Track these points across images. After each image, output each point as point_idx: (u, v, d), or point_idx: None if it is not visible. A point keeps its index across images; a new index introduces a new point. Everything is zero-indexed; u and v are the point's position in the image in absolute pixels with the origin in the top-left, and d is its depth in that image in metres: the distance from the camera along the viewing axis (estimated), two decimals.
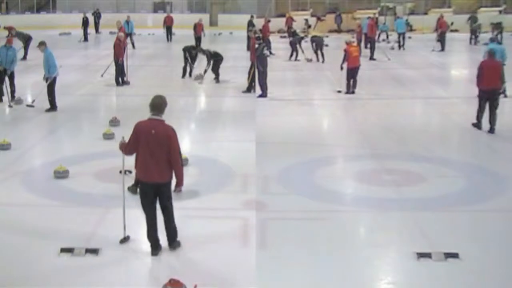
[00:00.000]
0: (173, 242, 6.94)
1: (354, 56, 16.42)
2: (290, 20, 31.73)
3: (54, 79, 14.36)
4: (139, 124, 6.80)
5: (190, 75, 18.92)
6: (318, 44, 23.10)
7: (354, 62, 16.44)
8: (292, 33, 26.28)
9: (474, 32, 30.27)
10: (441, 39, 27.14)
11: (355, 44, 18.79)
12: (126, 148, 6.86)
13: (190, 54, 18.90)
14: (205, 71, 18.47)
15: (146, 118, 6.80)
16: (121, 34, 18.84)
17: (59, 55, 25.40)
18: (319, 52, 23.03)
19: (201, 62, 19.39)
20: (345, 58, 16.36)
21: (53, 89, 14.40)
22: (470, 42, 30.13)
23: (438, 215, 8.09)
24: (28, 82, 19.10)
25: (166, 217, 6.91)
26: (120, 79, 18.13)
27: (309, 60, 23.16)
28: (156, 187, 6.75)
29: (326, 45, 24.99)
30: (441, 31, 27.30)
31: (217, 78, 18.44)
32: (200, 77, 18.39)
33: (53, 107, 14.33)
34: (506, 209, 8.42)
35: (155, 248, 6.85)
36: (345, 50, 16.47)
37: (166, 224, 6.93)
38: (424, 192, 9.00)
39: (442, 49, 26.87)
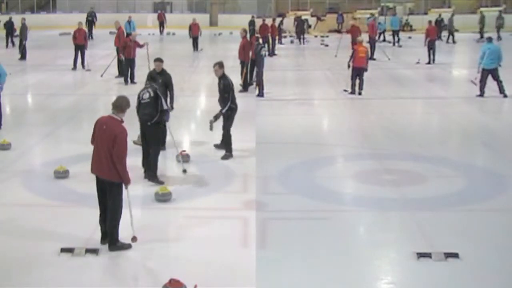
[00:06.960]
0: (109, 243, 6.85)
1: (360, 57, 16.43)
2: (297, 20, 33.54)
3: None
4: (99, 118, 7.12)
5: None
6: (301, 31, 32.09)
7: (359, 62, 16.43)
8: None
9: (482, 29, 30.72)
10: (430, 49, 22.92)
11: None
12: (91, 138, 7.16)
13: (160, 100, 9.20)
14: (216, 117, 10.29)
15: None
16: (135, 33, 19.49)
17: (60, 55, 25.61)
18: (301, 37, 31.86)
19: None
20: (352, 56, 16.44)
21: None
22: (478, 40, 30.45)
23: (438, 215, 8.08)
24: (29, 82, 19.22)
25: (108, 217, 6.87)
26: (129, 78, 18.10)
27: (292, 42, 31.84)
28: (100, 182, 6.93)
29: (308, 25, 36.76)
30: (430, 39, 23.01)
31: (228, 152, 10.46)
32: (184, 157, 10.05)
33: None
34: (506, 209, 8.42)
35: (102, 237, 6.97)
36: (353, 49, 16.57)
37: (107, 222, 6.89)
38: (424, 192, 8.99)
39: (430, 62, 22.77)
